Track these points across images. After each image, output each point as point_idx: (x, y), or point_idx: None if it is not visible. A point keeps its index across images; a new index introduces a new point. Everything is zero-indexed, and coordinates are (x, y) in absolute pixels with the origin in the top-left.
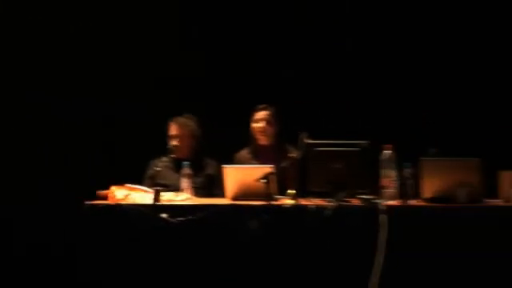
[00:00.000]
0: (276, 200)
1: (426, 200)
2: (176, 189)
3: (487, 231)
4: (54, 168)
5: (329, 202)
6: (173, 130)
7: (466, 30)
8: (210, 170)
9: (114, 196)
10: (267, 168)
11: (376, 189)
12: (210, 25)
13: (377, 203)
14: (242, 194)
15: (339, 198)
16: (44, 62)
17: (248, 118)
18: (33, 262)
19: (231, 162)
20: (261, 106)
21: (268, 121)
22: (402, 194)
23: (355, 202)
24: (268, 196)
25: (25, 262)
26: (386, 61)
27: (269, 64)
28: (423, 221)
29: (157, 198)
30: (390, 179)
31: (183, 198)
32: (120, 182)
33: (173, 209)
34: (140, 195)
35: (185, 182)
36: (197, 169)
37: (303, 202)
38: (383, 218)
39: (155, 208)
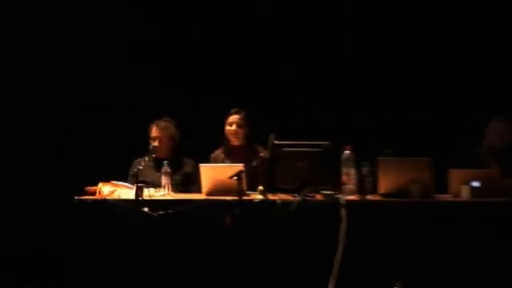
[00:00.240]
0: (247, 195)
1: (382, 195)
2: (156, 185)
3: (437, 224)
4: (49, 166)
5: (294, 197)
6: (154, 132)
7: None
8: (188, 168)
9: (102, 192)
10: (239, 167)
11: (337, 185)
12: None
13: (338, 198)
14: (216, 190)
15: (304, 193)
16: (44, 62)
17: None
18: (23, 254)
19: (207, 161)
20: (233, 111)
21: (239, 124)
22: (361, 189)
23: (318, 197)
24: (240, 192)
25: (15, 255)
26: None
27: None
28: (380, 214)
29: (139, 194)
30: (349, 176)
31: (163, 193)
32: (106, 180)
33: (154, 203)
34: (124, 191)
35: (164, 180)
36: (175, 167)
37: (271, 197)
38: (343, 211)
39: (138, 203)
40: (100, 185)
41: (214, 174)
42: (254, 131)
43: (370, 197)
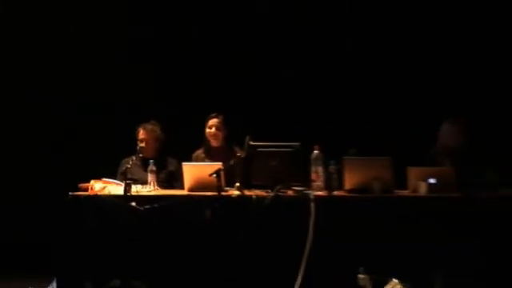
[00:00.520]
0: (225, 191)
1: (348, 191)
2: (143, 182)
3: (397, 217)
4: (49, 165)
5: (268, 193)
6: (141, 134)
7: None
8: (172, 167)
9: (94, 188)
10: (218, 165)
11: (307, 182)
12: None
13: (307, 194)
14: (198, 187)
15: (277, 189)
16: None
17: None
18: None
19: (189, 160)
20: (212, 115)
21: (218, 127)
22: (328, 186)
23: (290, 193)
24: (218, 188)
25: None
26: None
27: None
28: (345, 208)
29: (127, 190)
30: (318, 174)
31: (149, 189)
32: (98, 177)
33: (141, 199)
34: (114, 187)
35: (150, 177)
36: (160, 166)
37: (247, 193)
38: (312, 206)
39: (126, 198)
40: (92, 182)
41: (196, 172)
42: (231, 133)
43: (336, 192)
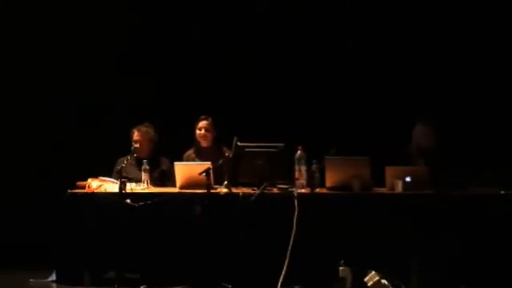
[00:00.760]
0: (214, 189)
1: (329, 189)
2: (137, 181)
3: (375, 212)
4: (49, 165)
5: (254, 190)
6: (136, 135)
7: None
8: (164, 166)
9: (91, 186)
10: (207, 165)
11: (290, 180)
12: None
13: (291, 191)
14: (188, 185)
15: (262, 187)
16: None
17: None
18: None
19: (180, 160)
20: (202, 117)
21: (207, 129)
22: (311, 184)
23: (275, 190)
24: (208, 186)
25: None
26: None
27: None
28: (327, 204)
29: (123, 188)
30: (301, 173)
31: (143, 187)
32: (95, 175)
33: (135, 196)
34: (110, 185)
35: (144, 176)
36: (154, 165)
37: (235, 190)
38: (296, 202)
39: (121, 195)
40: (89, 180)
41: (187, 171)
42: (220, 134)
43: (318, 190)
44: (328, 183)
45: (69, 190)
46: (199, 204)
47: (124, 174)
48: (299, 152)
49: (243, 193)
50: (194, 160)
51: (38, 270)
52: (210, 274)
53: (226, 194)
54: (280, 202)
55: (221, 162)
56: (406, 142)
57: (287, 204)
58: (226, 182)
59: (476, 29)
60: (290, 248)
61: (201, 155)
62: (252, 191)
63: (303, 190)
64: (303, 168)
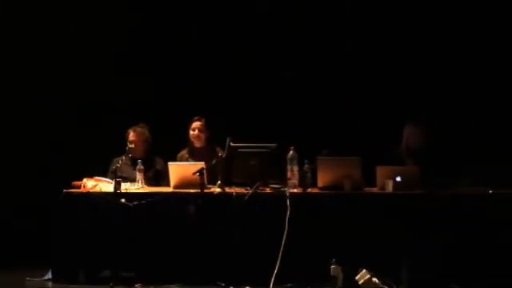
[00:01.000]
0: (207, 189)
1: (321, 188)
2: (132, 180)
3: (367, 212)
4: (49, 165)
5: (247, 190)
6: (131, 136)
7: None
8: (158, 166)
9: (86, 186)
10: (201, 165)
11: (283, 180)
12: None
13: (283, 191)
14: (182, 184)
15: (255, 187)
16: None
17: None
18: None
19: (174, 160)
20: (195, 118)
21: (200, 129)
22: (303, 184)
23: (267, 190)
24: (201, 186)
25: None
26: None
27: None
28: (319, 204)
29: (117, 188)
30: (293, 173)
31: (137, 187)
32: (90, 175)
33: (129, 195)
34: (105, 185)
35: (139, 175)
36: (148, 165)
37: (228, 190)
38: (288, 202)
39: (116, 195)
40: (84, 180)
41: (180, 171)
42: (213, 134)
43: (310, 190)
44: (320, 183)
45: (64, 190)
46: (193, 203)
47: (119, 174)
48: (291, 152)
49: (236, 192)
50: (187, 160)
51: (34, 269)
52: (203, 273)
53: (219, 193)
54: (272, 201)
55: (214, 162)
56: (398, 143)
57: (279, 204)
58: (219, 182)
59: (476, 29)
60: (282, 247)
61: (194, 155)
62: (245, 191)
63: (295, 190)
64: (295, 168)
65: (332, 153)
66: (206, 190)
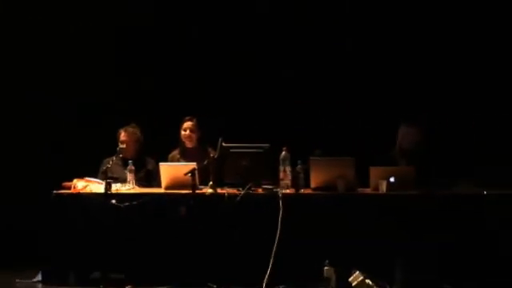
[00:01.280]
0: (199, 189)
1: (314, 189)
2: (123, 181)
3: (360, 212)
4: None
5: (239, 190)
6: (122, 136)
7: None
8: (150, 166)
9: (76, 186)
10: (192, 165)
11: (275, 180)
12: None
13: (276, 192)
14: (174, 185)
15: (247, 187)
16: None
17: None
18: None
19: (165, 160)
20: (186, 118)
21: (192, 129)
22: (295, 184)
23: (259, 190)
24: (193, 186)
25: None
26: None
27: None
28: (311, 205)
29: (108, 188)
30: (286, 173)
31: (128, 188)
32: (80, 176)
33: (120, 196)
34: (96, 186)
35: (130, 176)
36: (139, 166)
37: (220, 190)
38: (280, 203)
39: (107, 196)
40: (75, 180)
41: (172, 171)
42: (204, 135)
43: (303, 190)
44: (313, 184)
45: (54, 191)
46: (184, 204)
47: (109, 175)
48: (284, 153)
49: (228, 193)
50: (178, 161)
51: (24, 271)
52: (195, 274)
53: (211, 194)
54: (265, 202)
55: (206, 162)
56: (394, 144)
57: (272, 204)
58: (211, 183)
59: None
60: (274, 248)
61: (185, 156)
62: (237, 191)
63: (288, 191)
64: (288, 168)
65: (325, 153)
66: (197, 191)
